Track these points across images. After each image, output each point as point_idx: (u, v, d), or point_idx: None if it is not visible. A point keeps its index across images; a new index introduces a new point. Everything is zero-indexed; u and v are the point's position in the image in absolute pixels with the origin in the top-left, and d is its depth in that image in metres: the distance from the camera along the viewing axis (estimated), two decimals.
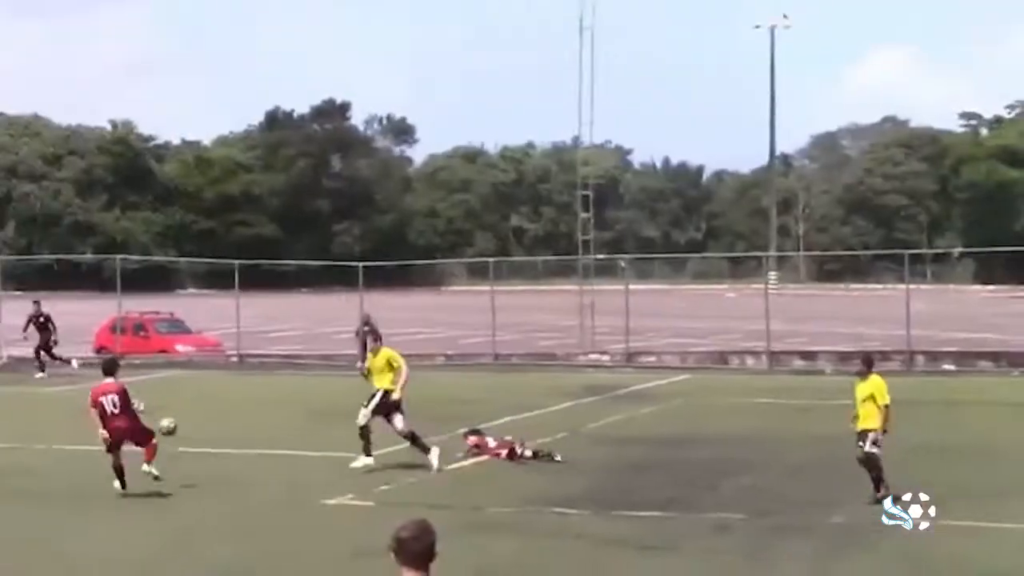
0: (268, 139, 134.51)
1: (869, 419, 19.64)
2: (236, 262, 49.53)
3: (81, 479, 22.32)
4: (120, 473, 20.96)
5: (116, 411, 20.88)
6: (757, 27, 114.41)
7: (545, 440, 24.78)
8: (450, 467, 23.21)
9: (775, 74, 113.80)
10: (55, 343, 42.93)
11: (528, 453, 23.86)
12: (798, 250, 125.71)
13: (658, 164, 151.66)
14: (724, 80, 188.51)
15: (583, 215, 50.26)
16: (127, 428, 21.00)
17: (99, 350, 47.15)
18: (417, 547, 7.71)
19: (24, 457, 24.95)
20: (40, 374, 41.77)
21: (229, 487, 21.75)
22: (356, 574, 16.00)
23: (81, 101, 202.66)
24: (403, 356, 24.32)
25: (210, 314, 53.56)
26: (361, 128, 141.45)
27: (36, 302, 44.67)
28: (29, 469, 23.65)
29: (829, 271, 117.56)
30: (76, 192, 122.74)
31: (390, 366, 24.03)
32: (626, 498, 20.19)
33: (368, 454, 23.25)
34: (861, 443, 19.56)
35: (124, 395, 21.07)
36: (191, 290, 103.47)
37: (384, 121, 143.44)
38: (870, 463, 19.43)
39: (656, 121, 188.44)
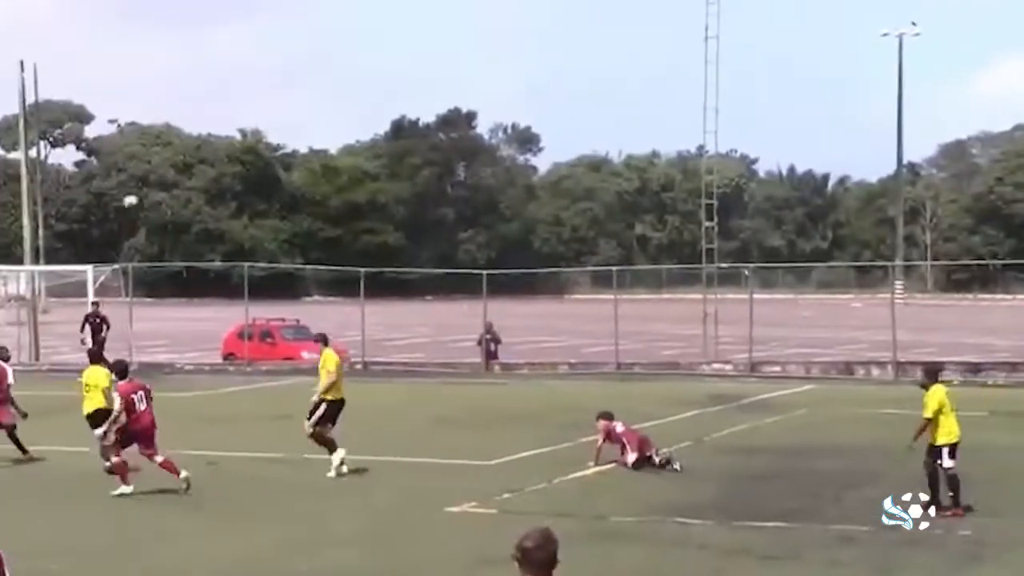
0: (394, 148, 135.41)
1: (943, 432, 19.44)
2: (362, 270, 49.96)
3: (201, 482, 22.63)
4: (119, 471, 21.63)
5: (144, 407, 21.79)
6: (884, 35, 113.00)
7: (667, 449, 24.70)
8: (574, 475, 23.23)
9: (903, 82, 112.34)
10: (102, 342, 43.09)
11: (657, 460, 23.73)
12: (925, 259, 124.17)
13: (783, 173, 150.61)
14: (851, 88, 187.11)
15: (707, 224, 50.09)
16: (149, 425, 21.80)
17: (227, 356, 47.83)
18: (541, 555, 7.75)
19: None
20: None
21: (354, 493, 21.95)
22: None
23: (211, 111, 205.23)
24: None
25: (335, 321, 53.99)
26: (486, 137, 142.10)
27: (95, 303, 44.98)
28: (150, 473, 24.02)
29: (957, 281, 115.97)
30: (206, 200, 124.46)
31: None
32: (749, 508, 20.08)
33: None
34: (935, 458, 19.36)
35: (150, 393, 22.23)
36: (316, 297, 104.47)
37: (509, 130, 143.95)
38: (948, 479, 19.19)
39: (781, 130, 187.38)
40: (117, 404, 21.71)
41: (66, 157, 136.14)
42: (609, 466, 23.87)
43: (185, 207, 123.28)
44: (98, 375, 23.97)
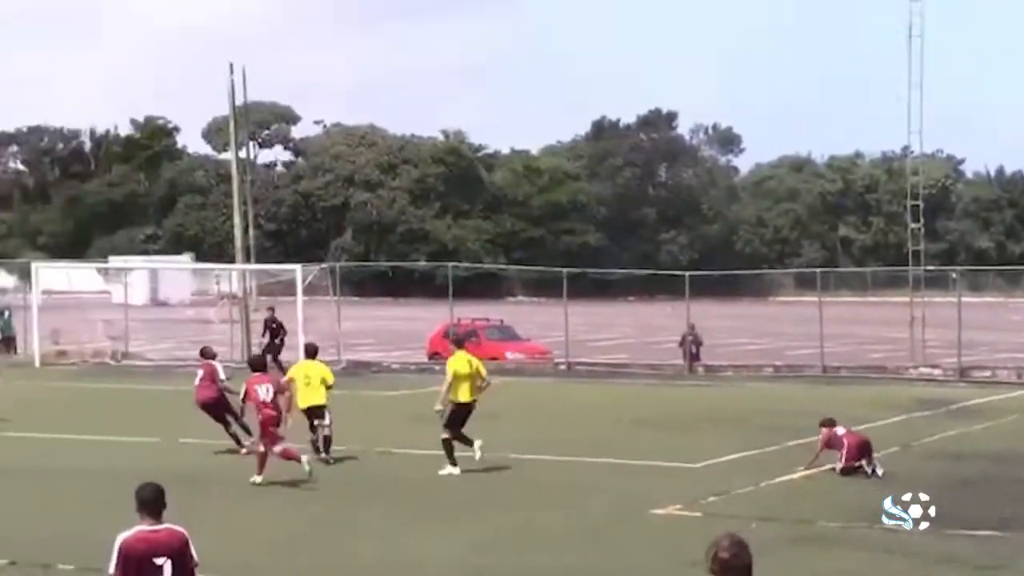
0: (595, 148, 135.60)
1: None
2: (564, 270, 50.18)
3: (419, 480, 23.01)
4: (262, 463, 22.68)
5: (269, 399, 23.09)
6: None
7: (875, 455, 24.40)
8: (780, 479, 23.12)
9: None
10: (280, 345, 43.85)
11: (880, 472, 23.28)
12: None
13: (991, 174, 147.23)
14: None
15: (913, 226, 49.31)
16: (275, 416, 22.99)
17: (432, 355, 48.37)
18: (738, 564, 7.77)
19: (371, 459, 25.76)
20: None
21: (559, 494, 22.11)
22: None
23: (415, 111, 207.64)
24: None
25: (539, 322, 54.39)
26: (687, 137, 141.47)
27: (271, 308, 45.73)
28: (370, 471, 24.46)
29: None
30: (410, 200, 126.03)
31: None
32: (960, 516, 19.73)
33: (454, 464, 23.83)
34: None
35: (278, 385, 23.91)
36: (520, 297, 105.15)
37: (710, 131, 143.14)
38: None
39: (989, 130, 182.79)
40: (242, 395, 23.87)
41: (274, 157, 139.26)
42: (815, 470, 23.69)
43: (390, 207, 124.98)
44: (320, 370, 25.46)
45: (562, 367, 46.87)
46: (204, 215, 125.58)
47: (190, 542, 10.13)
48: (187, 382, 40.56)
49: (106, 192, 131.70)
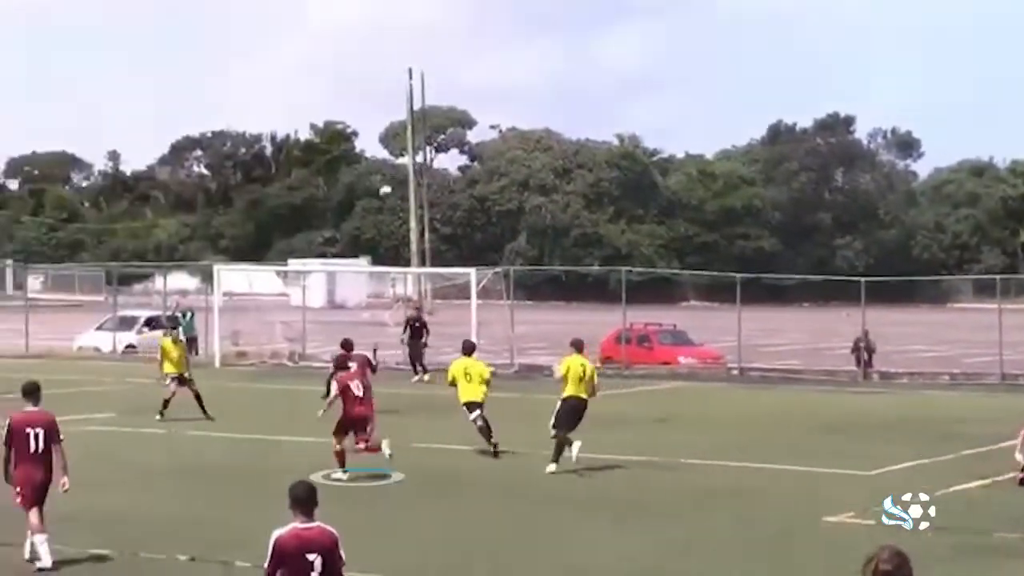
0: (770, 153, 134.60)
1: None
2: (738, 275, 49.93)
3: (589, 484, 23.12)
4: (341, 460, 23.26)
5: (361, 396, 23.68)
6: None
7: None
8: (956, 488, 22.76)
9: None
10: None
11: None
12: None
13: None
14: None
15: None
16: (366, 415, 23.58)
17: (604, 360, 48.44)
18: None
19: (538, 463, 25.93)
20: (416, 377, 42.88)
21: (730, 500, 22.06)
22: None
23: (590, 116, 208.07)
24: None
25: (711, 326, 54.15)
26: (865, 142, 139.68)
27: (417, 308, 45.70)
28: (538, 474, 24.62)
29: None
30: (584, 204, 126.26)
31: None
32: None
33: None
34: None
35: (366, 377, 24.62)
36: (692, 302, 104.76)
37: (888, 135, 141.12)
38: None
39: None
40: (333, 391, 24.37)
41: (450, 162, 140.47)
42: (991, 479, 23.31)
43: (564, 211, 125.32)
44: (479, 367, 26.28)
45: (735, 372, 46.66)
46: (381, 219, 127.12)
47: (339, 541, 10.65)
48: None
49: (286, 196, 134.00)
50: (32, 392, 17.02)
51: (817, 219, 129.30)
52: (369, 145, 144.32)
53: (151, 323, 53.29)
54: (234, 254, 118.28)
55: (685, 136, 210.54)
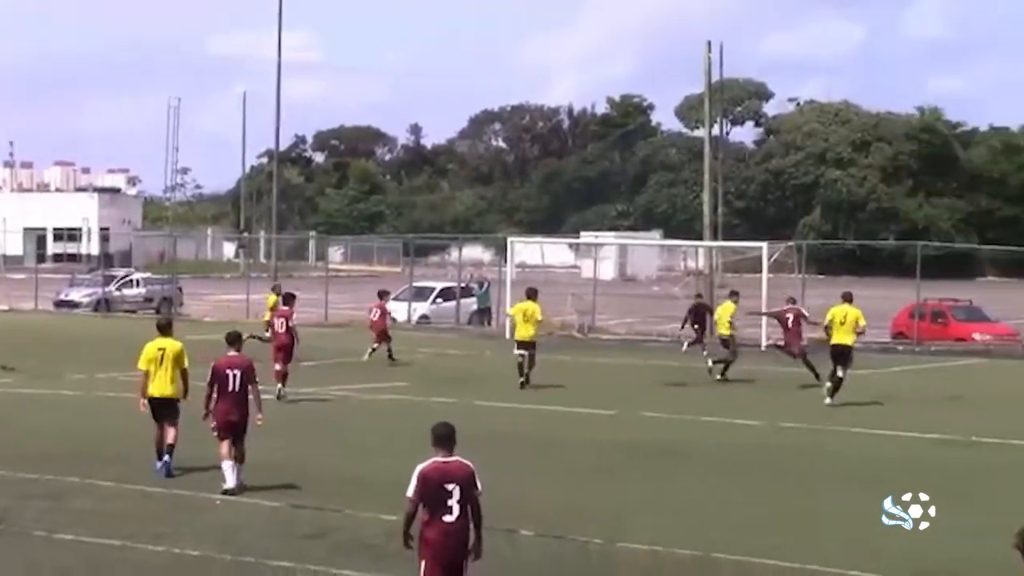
0: None
1: None
2: None
3: (853, 456, 22.86)
4: None
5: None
6: None
7: None
8: None
9: None
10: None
11: None
12: None
13: None
14: None
15: None
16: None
17: (896, 335, 47.70)
18: None
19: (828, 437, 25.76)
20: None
21: (1017, 480, 21.54)
22: None
23: (891, 87, 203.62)
24: None
25: (1009, 303, 52.75)
26: None
27: (699, 295, 43.59)
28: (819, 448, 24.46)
29: None
30: (881, 178, 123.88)
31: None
32: None
33: None
34: None
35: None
36: (991, 278, 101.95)
37: None
38: None
39: None
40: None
41: (745, 135, 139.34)
42: None
43: (860, 185, 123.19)
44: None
45: None
46: (674, 192, 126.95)
47: (475, 474, 12.00)
48: (653, 356, 41.66)
49: (581, 169, 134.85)
50: (235, 340, 19.95)
51: None
52: (665, 118, 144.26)
53: (445, 294, 54.34)
54: (528, 227, 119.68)
55: (990, 108, 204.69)
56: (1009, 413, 29.76)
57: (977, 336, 47.14)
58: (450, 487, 11.87)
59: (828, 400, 29.71)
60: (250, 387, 19.48)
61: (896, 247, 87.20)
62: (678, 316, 45.58)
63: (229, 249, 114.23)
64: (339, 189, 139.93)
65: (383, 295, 39.52)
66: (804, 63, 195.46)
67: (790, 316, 34.42)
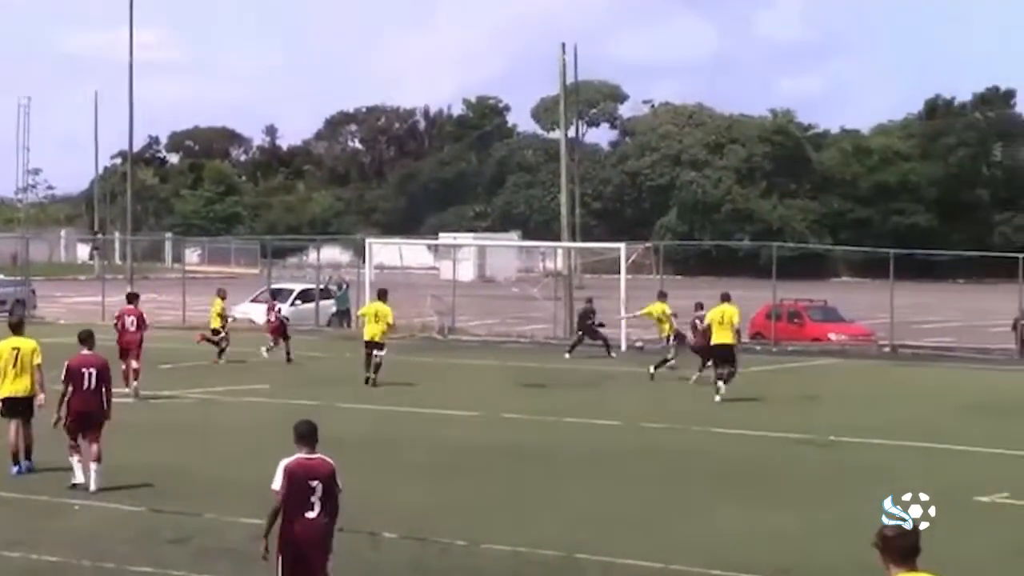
0: (927, 128, 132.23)
1: None
2: (891, 251, 49.26)
3: (726, 459, 22.99)
4: None
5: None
6: None
7: None
8: None
9: None
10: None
11: None
12: None
13: None
14: None
15: None
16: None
17: (754, 336, 48.13)
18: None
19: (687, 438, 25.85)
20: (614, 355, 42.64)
21: (878, 478, 21.78)
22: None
23: (744, 90, 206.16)
24: None
25: (863, 303, 53.53)
26: None
27: (589, 300, 44.47)
28: (681, 448, 24.56)
29: None
30: (735, 180, 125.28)
31: None
32: None
33: None
34: None
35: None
36: (844, 278, 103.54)
37: None
38: None
39: None
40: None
41: (601, 136, 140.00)
42: None
43: (716, 186, 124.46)
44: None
45: (886, 349, 46.05)
46: (532, 193, 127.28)
47: (337, 471, 12.23)
48: (513, 357, 41.71)
49: (438, 170, 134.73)
50: (87, 339, 20.14)
51: (975, 195, 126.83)
52: (521, 119, 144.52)
53: (304, 296, 53.93)
54: (386, 228, 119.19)
55: (840, 111, 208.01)
56: (865, 412, 30.15)
57: (833, 336, 47.83)
58: (314, 483, 12.06)
59: (718, 398, 30.56)
60: (104, 386, 19.65)
61: (752, 247, 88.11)
62: (537, 317, 45.70)
63: (84, 251, 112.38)
64: (194, 190, 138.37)
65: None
66: (658, 65, 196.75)
67: (697, 321, 35.69)
